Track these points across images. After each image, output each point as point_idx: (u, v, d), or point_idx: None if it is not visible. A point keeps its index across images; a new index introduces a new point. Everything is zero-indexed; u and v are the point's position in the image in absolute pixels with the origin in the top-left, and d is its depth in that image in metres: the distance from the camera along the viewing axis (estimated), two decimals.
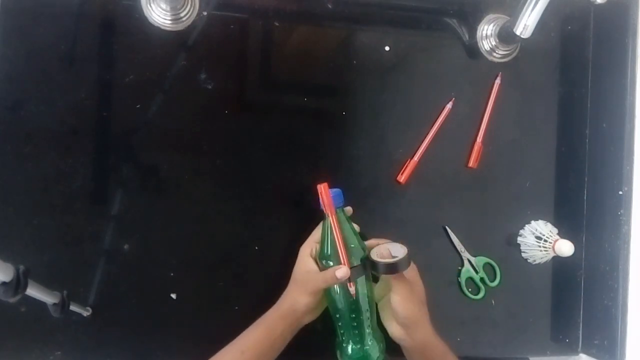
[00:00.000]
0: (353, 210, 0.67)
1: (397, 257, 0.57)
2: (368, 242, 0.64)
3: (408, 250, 0.58)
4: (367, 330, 0.62)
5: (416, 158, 0.73)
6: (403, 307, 0.58)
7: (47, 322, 0.64)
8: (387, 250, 0.61)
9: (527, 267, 0.75)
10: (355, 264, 0.60)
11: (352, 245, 0.61)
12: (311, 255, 0.63)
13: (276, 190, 0.70)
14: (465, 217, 0.74)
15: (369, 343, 0.62)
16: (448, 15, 0.76)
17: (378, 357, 0.62)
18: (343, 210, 0.63)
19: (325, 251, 0.61)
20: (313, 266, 0.62)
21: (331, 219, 0.60)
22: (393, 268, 0.57)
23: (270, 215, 0.70)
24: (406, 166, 0.73)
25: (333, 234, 0.60)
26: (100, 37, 0.67)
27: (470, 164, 0.74)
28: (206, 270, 0.68)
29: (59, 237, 0.65)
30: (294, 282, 0.63)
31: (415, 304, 0.59)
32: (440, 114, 0.74)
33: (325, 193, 0.60)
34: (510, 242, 0.76)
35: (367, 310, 0.61)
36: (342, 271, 0.57)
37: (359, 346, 0.62)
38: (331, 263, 0.60)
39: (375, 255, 0.59)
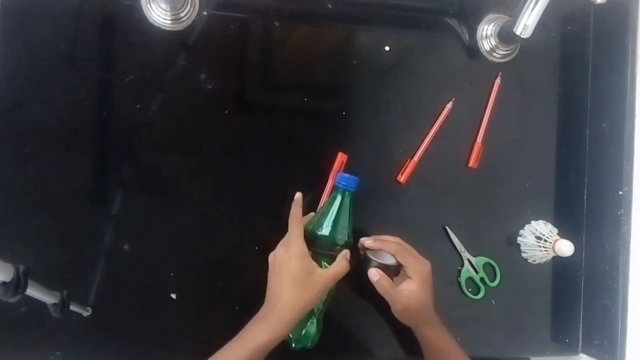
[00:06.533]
0: (353, 209, 0.67)
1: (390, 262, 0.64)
2: (364, 241, 0.66)
3: (399, 265, 0.64)
4: (316, 314, 0.64)
5: (416, 158, 0.73)
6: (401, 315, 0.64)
7: (47, 322, 0.64)
8: (383, 256, 0.65)
9: (527, 267, 0.75)
10: (340, 244, 0.63)
11: (346, 228, 0.64)
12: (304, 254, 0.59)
13: (276, 190, 0.70)
14: (465, 217, 0.74)
15: (312, 322, 0.64)
16: (448, 15, 0.76)
17: (315, 335, 0.64)
18: (351, 195, 0.65)
19: (324, 222, 0.63)
20: (315, 265, 0.60)
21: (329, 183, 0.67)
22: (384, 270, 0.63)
23: (270, 215, 0.70)
24: (406, 166, 0.73)
25: (339, 209, 0.64)
26: (100, 37, 0.67)
27: (470, 164, 0.74)
28: (206, 270, 0.68)
29: (59, 237, 0.65)
30: (301, 288, 0.57)
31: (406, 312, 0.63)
32: (440, 114, 0.74)
33: (338, 162, 0.69)
34: (510, 242, 0.76)
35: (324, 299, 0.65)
36: (345, 252, 0.62)
37: (301, 325, 0.64)
38: (327, 234, 0.62)
39: (370, 254, 0.65)
